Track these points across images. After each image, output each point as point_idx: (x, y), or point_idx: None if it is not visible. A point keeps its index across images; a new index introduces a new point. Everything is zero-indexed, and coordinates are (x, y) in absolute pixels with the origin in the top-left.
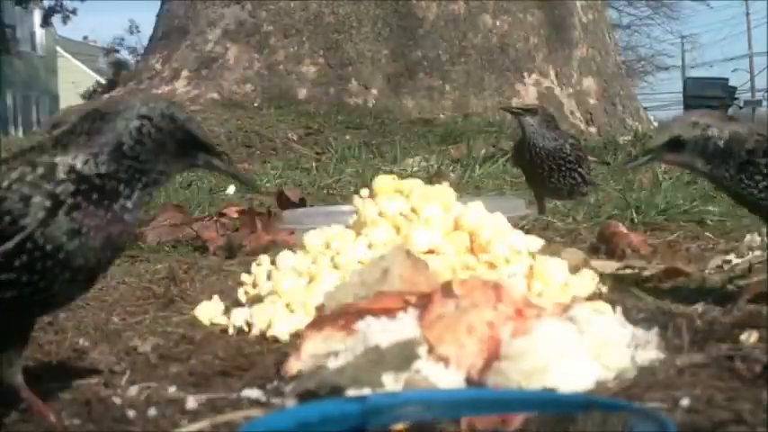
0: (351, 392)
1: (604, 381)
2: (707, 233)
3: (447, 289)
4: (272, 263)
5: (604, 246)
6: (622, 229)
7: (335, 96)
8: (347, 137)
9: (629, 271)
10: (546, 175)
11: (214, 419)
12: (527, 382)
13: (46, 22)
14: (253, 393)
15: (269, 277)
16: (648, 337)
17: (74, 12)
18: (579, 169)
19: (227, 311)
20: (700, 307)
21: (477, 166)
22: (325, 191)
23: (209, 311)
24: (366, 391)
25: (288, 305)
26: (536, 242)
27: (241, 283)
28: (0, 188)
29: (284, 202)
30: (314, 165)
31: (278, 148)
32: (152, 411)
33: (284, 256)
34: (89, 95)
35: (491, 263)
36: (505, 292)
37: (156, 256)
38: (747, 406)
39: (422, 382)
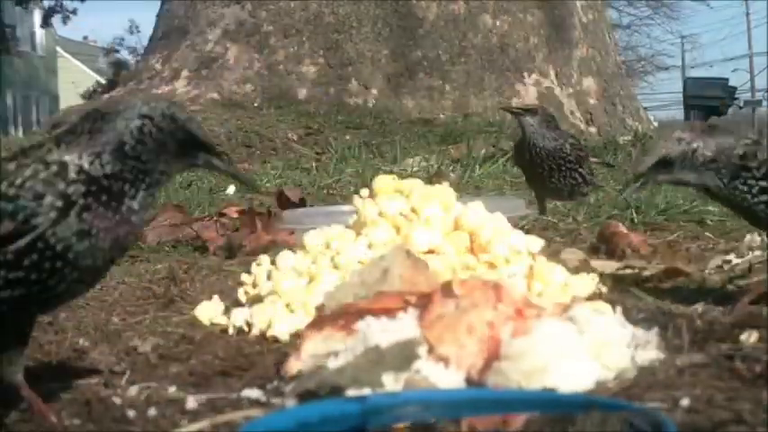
0: (351, 392)
1: (604, 381)
2: (707, 233)
3: (447, 289)
4: (272, 263)
5: (604, 246)
6: (622, 229)
7: (335, 96)
8: (347, 137)
9: (629, 271)
10: (546, 175)
11: (214, 419)
12: (527, 382)
13: (46, 22)
14: (253, 393)
15: (269, 277)
16: (648, 337)
17: (74, 12)
18: (579, 169)
19: (227, 311)
20: (700, 307)
21: (477, 166)
22: (325, 191)
23: (209, 311)
24: (366, 391)
25: (288, 305)
26: (536, 242)
27: (241, 283)
28: (13, 185)
29: (284, 202)
30: (314, 165)
31: (278, 148)
32: (152, 411)
33: (284, 256)
34: (89, 95)
35: (491, 263)
36: (505, 292)
37: (156, 256)
38: (747, 406)
39: (422, 382)
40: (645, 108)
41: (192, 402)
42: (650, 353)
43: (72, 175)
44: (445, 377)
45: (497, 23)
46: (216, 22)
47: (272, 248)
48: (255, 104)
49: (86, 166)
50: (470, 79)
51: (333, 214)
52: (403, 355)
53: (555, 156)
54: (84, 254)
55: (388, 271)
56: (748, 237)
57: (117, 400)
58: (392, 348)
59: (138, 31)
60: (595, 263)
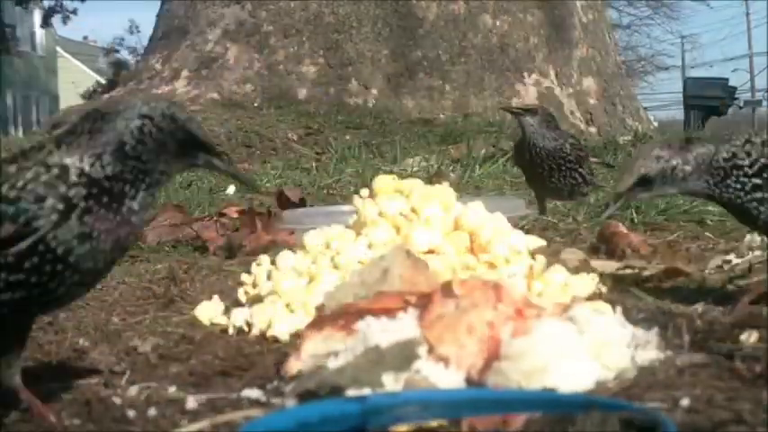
0: (351, 392)
1: (604, 381)
2: (707, 233)
3: (447, 289)
4: (272, 263)
5: (604, 246)
6: (622, 229)
7: (335, 96)
8: (347, 137)
9: (629, 271)
10: (546, 175)
11: (214, 419)
12: (527, 382)
13: (46, 22)
14: (253, 393)
15: (269, 277)
16: (648, 337)
17: (74, 12)
18: (580, 169)
19: (227, 311)
20: (700, 307)
21: (477, 166)
22: (325, 191)
23: (209, 311)
24: (366, 391)
25: (288, 305)
26: (536, 242)
27: (241, 283)
28: (14, 188)
29: (284, 202)
30: (314, 165)
31: (278, 148)
32: (152, 411)
33: (284, 256)
34: (89, 95)
35: (491, 263)
36: (505, 292)
37: (156, 256)
38: (747, 406)
39: (422, 382)
40: (645, 108)
41: (191, 402)
42: (650, 353)
43: (73, 177)
44: (445, 377)
45: (497, 23)
46: (216, 22)
47: (272, 248)
48: (255, 104)
49: (87, 168)
50: (470, 79)
51: (333, 214)
52: (403, 355)
53: (555, 156)
54: (85, 256)
55: (388, 271)
56: (748, 237)
57: (117, 400)
58: (392, 348)
59: (138, 31)
60: (595, 263)
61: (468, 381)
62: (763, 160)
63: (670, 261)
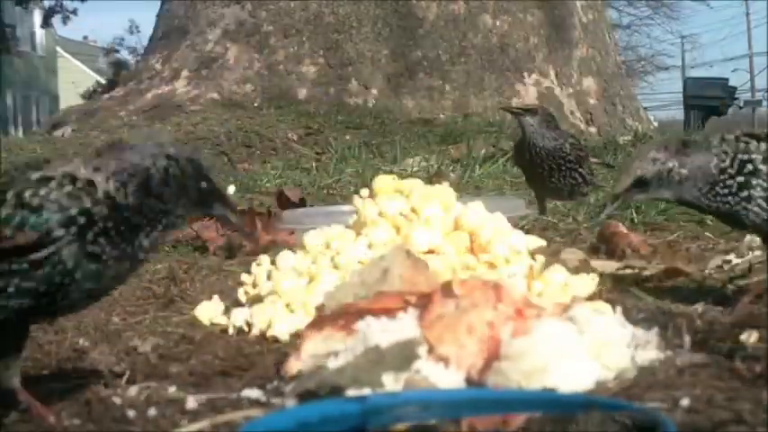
0: (351, 392)
1: (604, 381)
2: (707, 233)
3: (447, 289)
4: (272, 263)
5: (604, 246)
6: (622, 229)
7: (335, 96)
8: (347, 137)
9: (629, 271)
10: (546, 175)
11: (214, 419)
12: (527, 382)
13: (46, 22)
14: (253, 393)
15: (269, 277)
16: (648, 337)
17: (74, 12)
18: (579, 169)
19: (227, 311)
20: (700, 307)
21: (477, 166)
22: (325, 191)
23: (209, 311)
24: (366, 391)
25: (288, 305)
26: (536, 242)
27: (241, 283)
28: (38, 195)
29: (284, 202)
30: (314, 165)
31: (278, 148)
32: (152, 411)
33: (284, 256)
34: (89, 95)
35: (491, 263)
36: (505, 292)
37: (156, 256)
38: (747, 406)
39: (422, 382)
40: (645, 108)
41: (192, 402)
42: (650, 353)
43: (99, 195)
44: (445, 377)
45: (497, 23)
46: (216, 22)
47: (272, 248)
48: (255, 104)
49: (113, 191)
50: (470, 79)
51: (333, 214)
52: (403, 355)
53: (555, 156)
54: (89, 276)
55: (388, 271)
56: (748, 237)
57: (117, 400)
58: (392, 348)
59: (138, 31)
60: (595, 263)
61: (468, 381)
62: (740, 156)
63: (670, 261)
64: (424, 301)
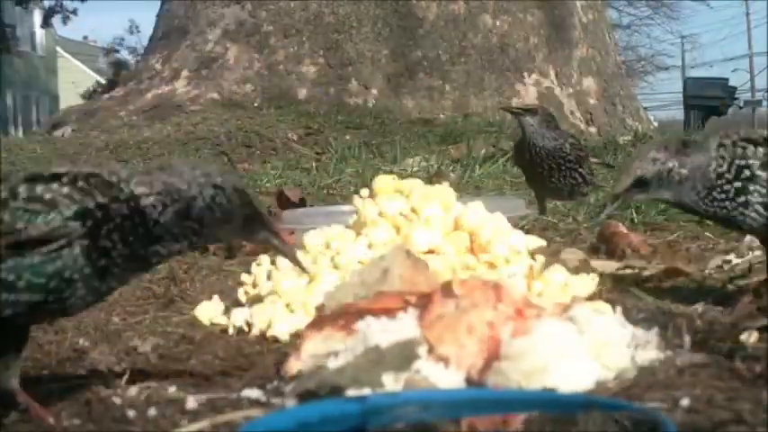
0: (351, 392)
1: (604, 381)
2: (707, 233)
3: (447, 289)
4: (272, 263)
5: (604, 246)
6: (622, 229)
7: (335, 96)
8: (347, 137)
9: (629, 271)
10: (546, 175)
11: (214, 419)
12: (527, 382)
13: (46, 22)
14: (253, 393)
15: (269, 277)
16: (648, 337)
17: (74, 12)
18: (579, 169)
19: (227, 311)
20: (700, 307)
21: (477, 166)
22: (325, 191)
23: (209, 311)
24: (366, 391)
25: (288, 305)
26: (536, 242)
27: (241, 283)
28: (51, 190)
29: (284, 202)
30: (314, 165)
31: (278, 148)
32: (152, 411)
33: None
34: (89, 95)
35: (491, 263)
36: (505, 292)
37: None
38: (747, 406)
39: (422, 382)
40: (645, 108)
41: (191, 402)
42: (650, 353)
43: (121, 195)
44: (445, 377)
45: (497, 23)
46: (216, 22)
47: (272, 248)
48: (255, 104)
49: (143, 202)
50: (470, 79)
51: (333, 214)
52: (403, 355)
53: (555, 156)
54: (96, 273)
55: (388, 271)
56: (748, 237)
57: (117, 400)
58: (392, 348)
59: (138, 31)
60: (595, 263)
61: (468, 381)
62: (737, 161)
63: (670, 261)
64: (424, 301)
